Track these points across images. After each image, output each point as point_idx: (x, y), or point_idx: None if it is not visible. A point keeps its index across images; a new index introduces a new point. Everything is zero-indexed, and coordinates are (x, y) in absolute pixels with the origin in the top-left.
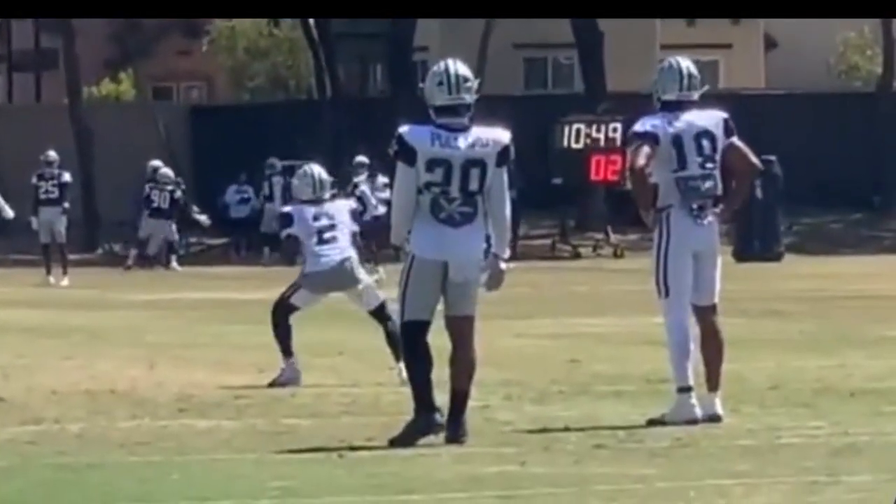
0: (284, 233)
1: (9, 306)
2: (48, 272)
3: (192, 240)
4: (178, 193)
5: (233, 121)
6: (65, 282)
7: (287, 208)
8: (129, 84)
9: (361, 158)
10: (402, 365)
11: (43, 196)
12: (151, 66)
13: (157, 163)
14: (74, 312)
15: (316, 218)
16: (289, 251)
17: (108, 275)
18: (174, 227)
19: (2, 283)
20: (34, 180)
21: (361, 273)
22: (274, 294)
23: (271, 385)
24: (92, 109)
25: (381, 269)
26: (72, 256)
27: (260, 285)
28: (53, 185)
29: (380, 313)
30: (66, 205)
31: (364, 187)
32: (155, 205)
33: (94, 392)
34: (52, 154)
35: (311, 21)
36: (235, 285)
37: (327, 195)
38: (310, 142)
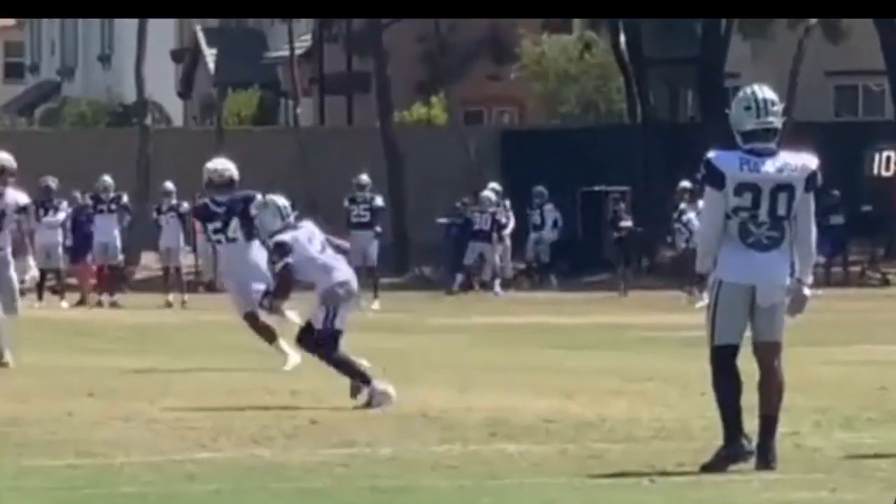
0: (283, 262)
1: None
2: (359, 295)
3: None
4: (499, 215)
5: (543, 145)
6: (375, 305)
7: (284, 237)
8: (440, 108)
9: (685, 184)
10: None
11: (355, 220)
12: (463, 91)
13: (495, 186)
14: (385, 336)
15: (309, 240)
16: (286, 281)
17: (418, 299)
18: (494, 249)
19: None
20: (346, 203)
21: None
22: (590, 318)
23: (366, 405)
24: (403, 133)
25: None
26: (383, 280)
27: (574, 310)
28: (365, 209)
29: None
30: (378, 229)
31: (690, 214)
32: (476, 227)
33: (405, 415)
34: (365, 178)
35: (623, 46)
36: (552, 309)
37: (292, 219)
38: (619, 167)
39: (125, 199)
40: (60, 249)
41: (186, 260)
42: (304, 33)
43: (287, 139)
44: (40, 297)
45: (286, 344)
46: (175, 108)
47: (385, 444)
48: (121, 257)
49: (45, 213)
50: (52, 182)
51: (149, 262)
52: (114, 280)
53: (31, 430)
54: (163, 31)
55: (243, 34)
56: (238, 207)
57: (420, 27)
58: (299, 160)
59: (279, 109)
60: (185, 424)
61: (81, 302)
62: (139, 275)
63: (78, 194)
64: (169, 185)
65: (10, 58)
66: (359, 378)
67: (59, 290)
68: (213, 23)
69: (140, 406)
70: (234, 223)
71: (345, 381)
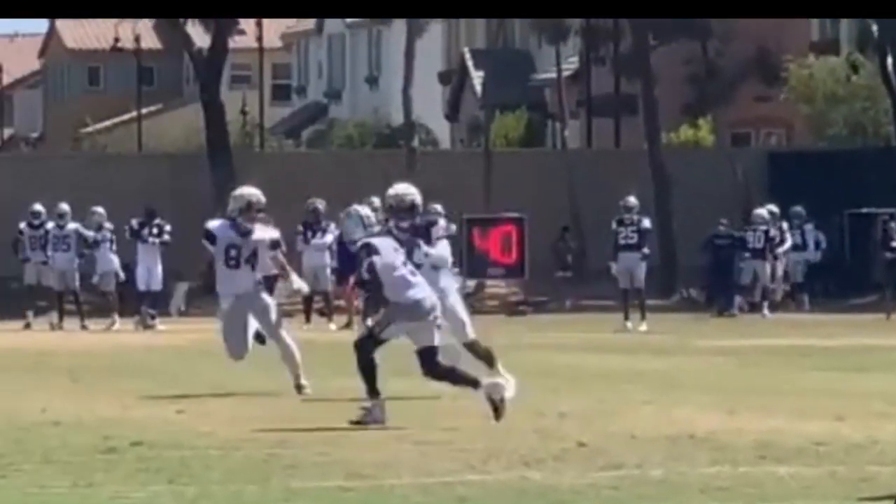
0: (368, 260)
1: (587, 351)
2: (626, 317)
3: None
4: (772, 233)
5: (810, 167)
6: (643, 327)
7: (371, 239)
8: (707, 130)
9: None
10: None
11: (622, 241)
12: (730, 113)
13: (772, 208)
14: (651, 358)
15: (395, 250)
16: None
17: (685, 320)
18: (767, 267)
19: (580, 328)
20: (614, 225)
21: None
22: (856, 340)
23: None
24: (670, 155)
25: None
26: (649, 302)
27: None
28: (633, 231)
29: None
30: (646, 250)
31: None
32: (749, 245)
33: (673, 437)
34: (632, 200)
35: (890, 68)
36: (818, 332)
37: (376, 230)
38: (887, 189)
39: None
40: (328, 271)
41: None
42: (571, 55)
43: (554, 161)
44: (308, 320)
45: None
46: (442, 130)
47: (654, 466)
48: None
49: (313, 236)
50: (320, 204)
51: None
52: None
53: (300, 452)
54: (430, 53)
55: (511, 56)
56: (421, 233)
57: (687, 50)
58: (566, 182)
59: (546, 131)
60: (455, 446)
61: (349, 324)
62: None
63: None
64: (437, 207)
65: (277, 80)
66: (373, 389)
67: (326, 313)
68: (481, 44)
69: (410, 428)
70: (419, 248)
71: (607, 405)
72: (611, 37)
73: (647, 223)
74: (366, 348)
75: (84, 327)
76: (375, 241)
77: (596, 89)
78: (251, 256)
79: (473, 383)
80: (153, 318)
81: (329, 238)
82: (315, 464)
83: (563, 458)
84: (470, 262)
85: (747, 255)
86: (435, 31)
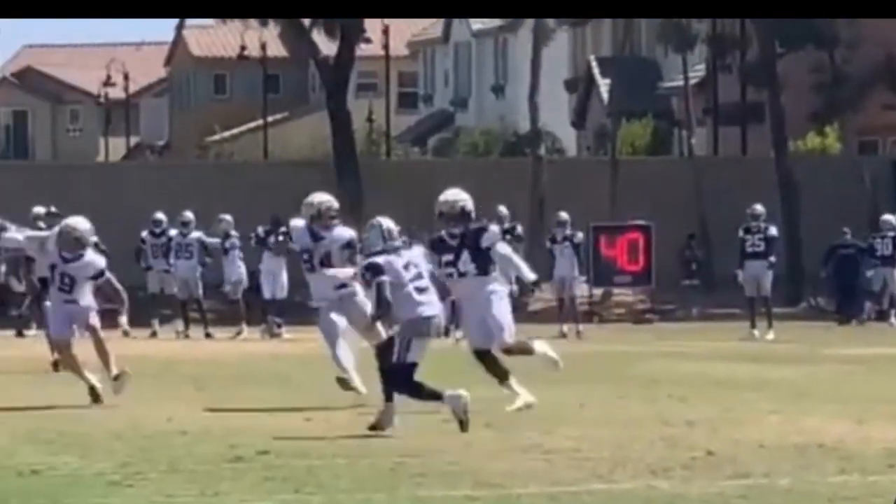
0: (377, 280)
1: (714, 359)
2: (752, 325)
3: None
4: None
5: None
6: (770, 336)
7: (377, 259)
8: (834, 137)
9: None
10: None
11: (749, 249)
12: (857, 120)
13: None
14: (779, 366)
15: (406, 267)
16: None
17: (812, 329)
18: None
19: (707, 337)
20: (741, 233)
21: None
22: None
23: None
24: (797, 162)
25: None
26: (776, 310)
27: None
28: (760, 239)
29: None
30: (773, 259)
31: None
32: (878, 252)
33: (801, 446)
34: (759, 208)
35: None
36: None
37: (398, 243)
38: None
39: (519, 229)
40: None
41: (580, 290)
42: (697, 63)
43: (681, 169)
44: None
45: (517, 384)
46: (569, 138)
47: (782, 475)
48: (514, 287)
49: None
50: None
51: (543, 293)
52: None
53: (428, 461)
54: (556, 61)
55: (637, 63)
56: (470, 240)
57: (814, 57)
58: (693, 190)
59: (673, 139)
60: (581, 455)
61: None
62: (533, 305)
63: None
64: (563, 215)
65: (403, 88)
66: (434, 398)
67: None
68: (607, 52)
69: (537, 436)
70: (465, 256)
71: (734, 414)
72: (737, 45)
73: (773, 231)
74: (402, 383)
75: (208, 335)
76: (380, 259)
77: (722, 97)
78: (325, 259)
79: (437, 396)
80: (279, 326)
81: (531, 278)
82: (443, 473)
83: (690, 466)
84: (596, 270)
85: (876, 262)
86: (561, 39)
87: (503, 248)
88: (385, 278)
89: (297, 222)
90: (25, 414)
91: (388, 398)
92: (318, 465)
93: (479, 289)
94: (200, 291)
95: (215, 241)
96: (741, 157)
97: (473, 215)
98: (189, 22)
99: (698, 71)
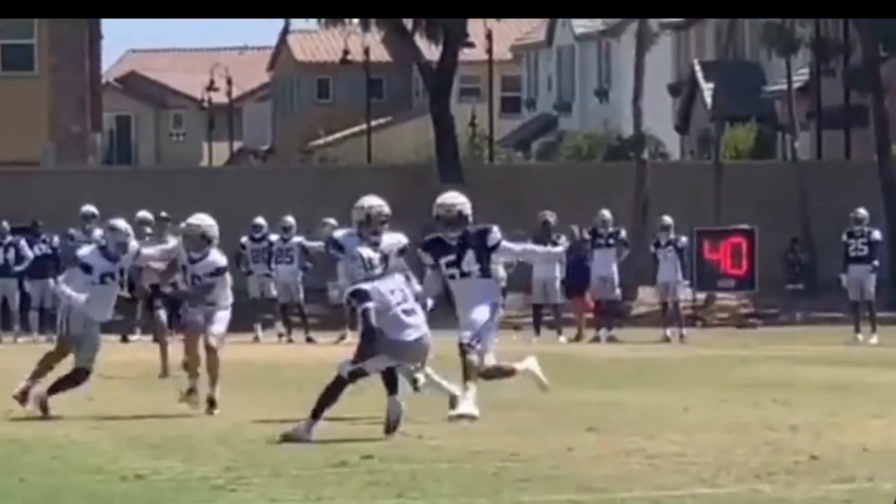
0: (363, 306)
1: (818, 363)
2: (857, 329)
3: None
4: None
5: None
6: (874, 339)
7: (363, 285)
8: None
9: None
10: None
11: (853, 253)
12: None
13: None
14: (883, 370)
15: (391, 291)
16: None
17: None
18: None
19: (811, 341)
20: (844, 237)
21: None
22: None
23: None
24: None
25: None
26: (880, 314)
27: None
28: (863, 243)
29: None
30: (876, 262)
31: None
32: None
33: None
34: (862, 212)
35: None
36: None
37: (378, 271)
38: None
39: (623, 233)
40: (557, 284)
41: (684, 294)
42: (801, 67)
43: (784, 173)
44: (537, 332)
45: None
46: (672, 142)
47: (886, 480)
48: (618, 292)
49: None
50: (551, 217)
51: (646, 297)
52: (611, 315)
53: (531, 465)
54: (660, 66)
55: (741, 67)
56: (473, 241)
57: None
58: (797, 195)
59: (776, 143)
60: (685, 459)
61: (578, 337)
62: (637, 309)
63: (575, 228)
64: (667, 219)
65: (506, 92)
66: (319, 414)
67: (555, 325)
68: (710, 56)
69: (640, 440)
70: (470, 256)
71: (838, 419)
72: (841, 49)
73: (877, 235)
74: (343, 383)
75: (309, 340)
76: (366, 286)
77: (826, 101)
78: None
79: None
80: None
81: (559, 249)
82: (546, 477)
83: (794, 471)
84: (700, 274)
85: None
86: (664, 43)
87: (507, 244)
88: (371, 304)
89: (338, 233)
90: (129, 419)
91: (392, 391)
92: (421, 470)
93: (479, 289)
94: (301, 296)
95: (318, 244)
96: (844, 161)
97: (471, 219)
98: (293, 27)
99: (802, 75)
